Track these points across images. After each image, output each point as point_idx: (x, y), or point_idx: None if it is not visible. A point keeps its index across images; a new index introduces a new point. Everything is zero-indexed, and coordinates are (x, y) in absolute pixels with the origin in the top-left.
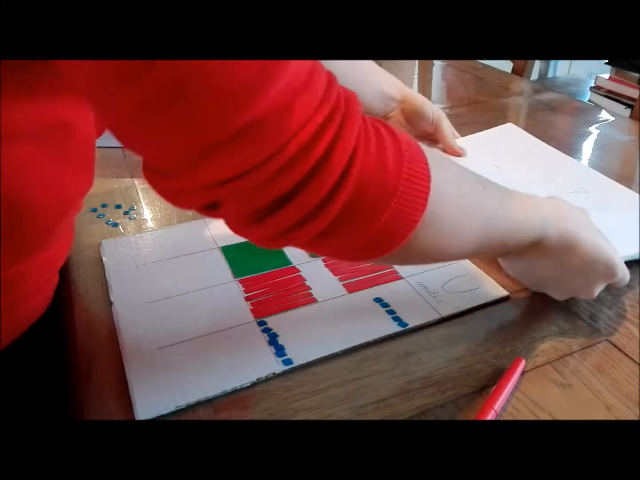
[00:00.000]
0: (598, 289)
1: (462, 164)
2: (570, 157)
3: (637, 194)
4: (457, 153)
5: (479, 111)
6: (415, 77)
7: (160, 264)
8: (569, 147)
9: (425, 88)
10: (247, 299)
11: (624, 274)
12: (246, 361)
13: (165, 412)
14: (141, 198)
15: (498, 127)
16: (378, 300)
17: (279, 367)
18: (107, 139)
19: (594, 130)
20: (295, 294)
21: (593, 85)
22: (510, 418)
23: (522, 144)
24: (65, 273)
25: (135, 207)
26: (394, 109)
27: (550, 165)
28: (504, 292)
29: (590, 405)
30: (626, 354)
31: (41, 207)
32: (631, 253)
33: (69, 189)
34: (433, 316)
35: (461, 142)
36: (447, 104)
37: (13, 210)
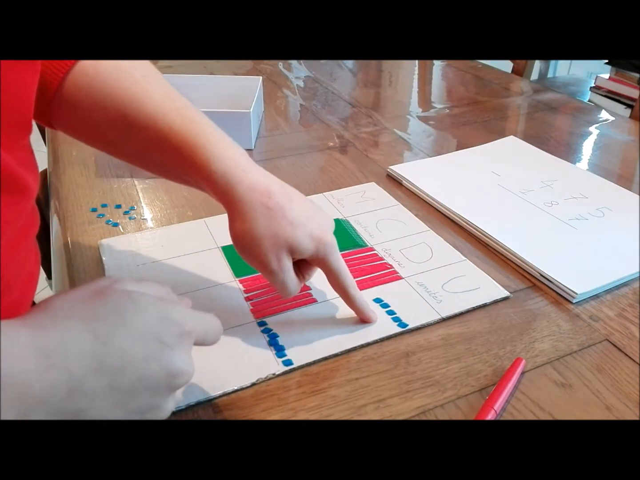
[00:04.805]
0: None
1: (462, 171)
2: (569, 163)
3: (637, 195)
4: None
5: (479, 111)
6: (415, 77)
7: (160, 264)
8: (569, 147)
9: (425, 88)
10: (247, 299)
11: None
12: (246, 362)
13: None
14: (141, 198)
15: (500, 139)
16: (378, 300)
17: (279, 368)
18: None
19: (593, 130)
20: None
21: (593, 85)
22: (510, 418)
23: (522, 154)
24: (66, 272)
25: (135, 207)
26: None
27: (549, 172)
28: (504, 292)
29: (590, 405)
30: (626, 354)
31: None
32: (633, 271)
33: None
34: (433, 316)
35: (462, 153)
36: (447, 104)
37: None
